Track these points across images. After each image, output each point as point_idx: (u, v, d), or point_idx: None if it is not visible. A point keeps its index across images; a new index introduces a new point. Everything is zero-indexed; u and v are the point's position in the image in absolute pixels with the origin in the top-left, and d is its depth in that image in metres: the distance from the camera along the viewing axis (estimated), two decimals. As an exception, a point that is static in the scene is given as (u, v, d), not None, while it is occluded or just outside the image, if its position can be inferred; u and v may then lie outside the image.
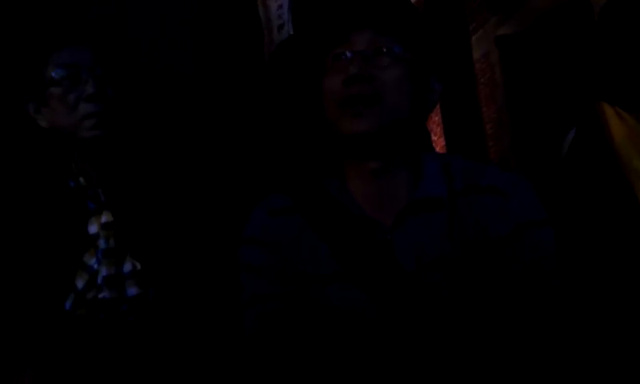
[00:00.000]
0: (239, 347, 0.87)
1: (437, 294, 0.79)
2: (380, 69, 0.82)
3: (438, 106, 6.04)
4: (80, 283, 1.11)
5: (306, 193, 0.89)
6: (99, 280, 1.11)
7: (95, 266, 1.12)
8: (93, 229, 1.13)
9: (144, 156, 1.19)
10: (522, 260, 0.80)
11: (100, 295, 1.10)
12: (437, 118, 5.81)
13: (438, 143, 5.77)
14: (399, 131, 0.83)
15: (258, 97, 1.38)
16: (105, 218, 1.13)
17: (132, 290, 1.10)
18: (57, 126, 1.11)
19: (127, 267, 1.11)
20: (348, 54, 0.83)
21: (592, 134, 1.27)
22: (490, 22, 5.18)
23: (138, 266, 1.10)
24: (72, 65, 1.09)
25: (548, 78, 4.75)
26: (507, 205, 0.83)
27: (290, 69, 1.21)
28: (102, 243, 1.12)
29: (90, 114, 1.08)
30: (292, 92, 1.17)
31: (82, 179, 1.14)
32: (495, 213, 0.82)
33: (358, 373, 0.79)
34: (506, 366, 0.77)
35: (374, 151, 0.84)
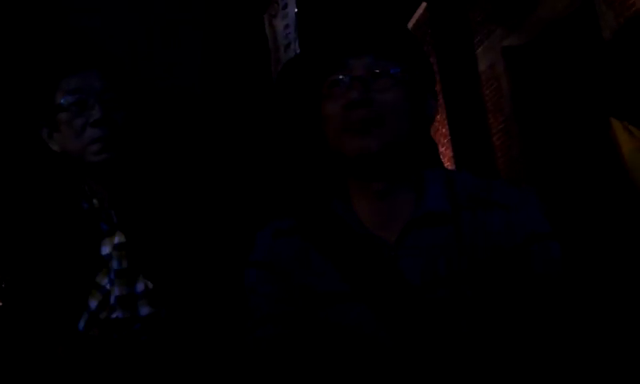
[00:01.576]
0: (247, 368, 0.87)
1: (444, 309, 0.79)
2: (379, 92, 0.83)
3: (444, 118, 6.04)
4: (93, 304, 1.13)
5: (311, 213, 0.90)
6: (112, 300, 1.12)
7: (108, 287, 1.13)
8: (105, 250, 1.15)
9: (154, 177, 1.21)
10: (529, 273, 0.80)
11: (113, 315, 1.11)
12: (444, 130, 5.81)
13: (446, 154, 5.77)
14: (401, 150, 0.85)
15: (265, 116, 1.40)
16: (117, 238, 1.15)
17: (144, 310, 1.11)
18: (67, 151, 1.13)
19: (140, 287, 1.12)
20: (346, 79, 0.84)
21: (601, 147, 1.28)
22: (495, 33, 5.20)
23: (150, 286, 1.12)
24: (79, 90, 1.11)
25: (555, 88, 4.74)
26: (513, 218, 0.83)
27: (293, 93, 1.22)
28: (114, 264, 1.14)
29: (97, 139, 1.09)
30: (296, 116, 1.19)
31: (95, 201, 1.16)
32: (501, 227, 0.82)
33: None
34: (517, 381, 0.77)
35: (378, 171, 0.85)
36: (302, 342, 0.84)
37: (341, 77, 0.84)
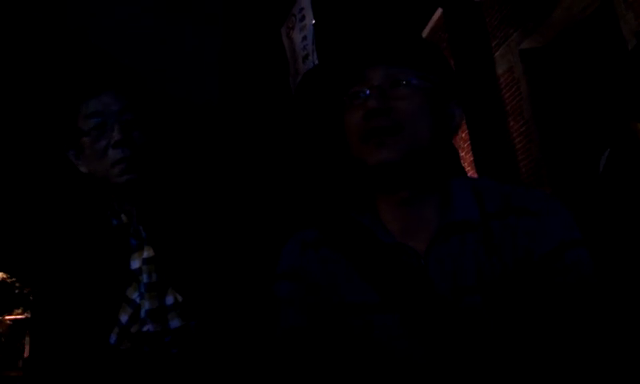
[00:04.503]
0: (275, 380, 0.87)
1: (475, 318, 0.78)
2: (397, 100, 0.83)
3: (464, 122, 6.00)
4: (124, 317, 1.15)
5: (337, 224, 0.90)
6: (142, 314, 1.14)
7: (138, 300, 1.15)
8: (135, 264, 1.17)
9: (180, 191, 1.23)
10: (562, 280, 0.79)
11: (144, 328, 1.13)
12: (464, 135, 5.78)
13: (466, 159, 5.73)
14: (423, 159, 0.85)
15: (286, 128, 1.42)
16: (146, 253, 1.17)
17: (175, 323, 1.13)
18: (92, 172, 1.16)
19: (169, 300, 1.14)
20: (366, 90, 0.85)
21: (626, 152, 1.26)
22: (513, 36, 5.17)
23: (180, 299, 1.13)
24: (98, 113, 1.12)
25: (574, 90, 4.69)
26: (543, 225, 0.82)
27: (314, 105, 1.24)
28: (144, 278, 1.16)
29: (119, 160, 1.11)
30: (318, 127, 1.20)
31: (123, 217, 1.19)
32: (531, 234, 0.82)
33: None
34: None
35: (402, 180, 0.85)
36: (332, 353, 0.84)
37: (360, 88, 0.86)
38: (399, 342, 0.80)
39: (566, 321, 0.78)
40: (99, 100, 1.13)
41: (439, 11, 6.11)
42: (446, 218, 0.85)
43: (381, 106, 0.83)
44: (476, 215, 0.84)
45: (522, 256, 0.81)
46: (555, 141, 4.86)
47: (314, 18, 2.90)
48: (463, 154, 5.79)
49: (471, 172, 5.63)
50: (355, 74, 0.87)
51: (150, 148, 1.16)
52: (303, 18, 2.94)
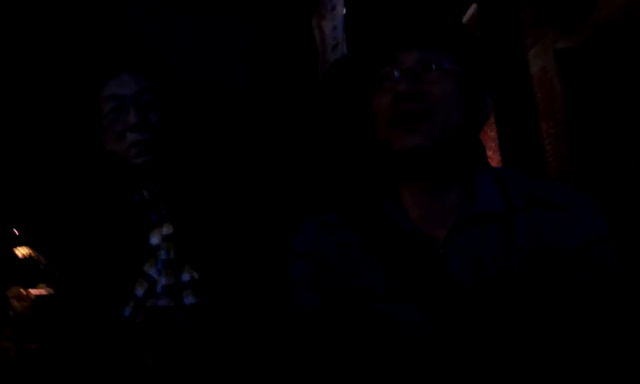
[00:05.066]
0: (285, 358, 0.87)
1: (495, 309, 0.77)
2: (429, 84, 0.81)
3: (493, 121, 5.94)
4: (140, 291, 1.16)
5: (359, 208, 0.89)
6: (158, 289, 1.15)
7: (155, 276, 1.17)
8: (154, 240, 1.18)
9: (201, 171, 1.24)
10: (587, 276, 0.78)
11: (159, 303, 1.14)
12: (492, 133, 5.70)
13: (494, 159, 5.65)
14: (452, 146, 0.83)
15: (312, 115, 1.41)
16: (166, 230, 1.18)
17: (189, 299, 1.14)
18: (115, 151, 1.17)
19: (185, 277, 1.15)
20: (396, 72, 0.83)
21: None
22: (548, 35, 5.06)
23: (196, 276, 1.14)
24: (115, 96, 1.13)
25: (608, 92, 4.58)
26: (570, 220, 0.80)
27: (342, 90, 1.23)
28: (162, 254, 1.17)
29: (135, 143, 1.12)
30: (345, 111, 1.19)
31: (145, 193, 1.20)
32: (558, 228, 0.80)
33: None
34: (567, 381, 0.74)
35: (428, 167, 0.83)
36: (344, 335, 0.83)
37: (390, 69, 0.83)
38: (414, 331, 0.79)
39: (588, 316, 0.76)
40: (117, 80, 1.14)
41: (474, 7, 6.02)
42: (469, 208, 0.83)
43: (412, 89, 0.81)
44: (500, 206, 0.82)
45: (547, 250, 0.79)
46: (586, 144, 4.76)
47: (345, 8, 2.89)
48: (491, 153, 5.71)
49: (498, 172, 5.56)
50: (387, 55, 0.85)
51: (170, 130, 1.16)
52: (334, 6, 2.92)
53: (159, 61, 1.21)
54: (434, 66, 0.82)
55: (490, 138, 5.77)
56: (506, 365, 0.75)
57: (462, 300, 0.78)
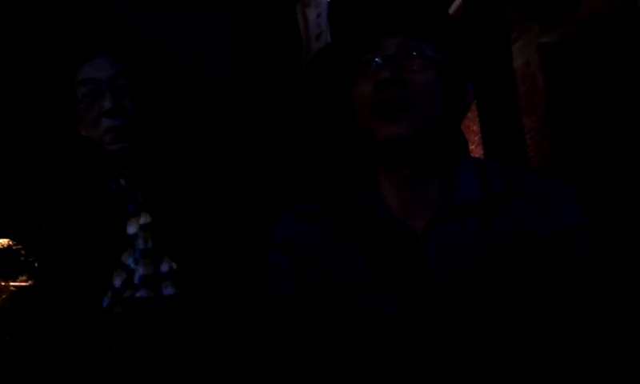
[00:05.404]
0: (262, 349, 0.86)
1: (472, 301, 0.77)
2: (412, 72, 0.80)
3: (476, 115, 5.96)
4: (117, 282, 1.14)
5: (338, 198, 0.88)
6: (136, 279, 1.13)
7: (132, 266, 1.14)
8: (131, 229, 1.16)
9: (180, 160, 1.21)
10: (564, 266, 0.78)
11: (137, 294, 1.12)
12: (475, 127, 5.72)
13: (476, 152, 5.68)
14: (433, 135, 0.82)
15: (294, 104, 1.39)
16: (143, 219, 1.15)
17: (168, 290, 1.12)
18: (90, 137, 1.13)
19: (164, 267, 1.13)
20: (378, 59, 0.81)
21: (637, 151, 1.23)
22: (533, 30, 5.09)
23: (175, 267, 1.12)
24: (90, 80, 1.09)
25: (591, 88, 4.62)
26: (549, 210, 0.80)
27: (324, 78, 1.21)
28: (140, 244, 1.15)
29: (110, 129, 1.08)
30: (327, 100, 1.17)
31: (122, 181, 1.17)
32: (537, 218, 0.80)
33: (388, 382, 0.77)
34: (544, 373, 0.74)
35: (408, 157, 0.82)
36: (323, 326, 0.82)
37: (372, 56, 0.82)
38: (393, 322, 0.78)
39: (565, 306, 0.77)
40: (92, 64, 1.10)
41: None
42: (448, 198, 0.82)
43: (394, 76, 0.79)
44: (479, 197, 0.82)
45: (526, 240, 0.79)
46: (568, 139, 4.80)
47: (330, -3, 2.86)
48: (473, 147, 5.74)
49: (481, 165, 5.59)
50: (370, 41, 0.83)
51: (147, 116, 1.13)
52: (319, -5, 2.90)
53: (137, 44, 1.17)
54: (416, 54, 0.81)
55: (473, 132, 5.80)
56: (486, 355, 0.75)
57: (440, 291, 0.77)
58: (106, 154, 1.13)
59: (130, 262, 1.15)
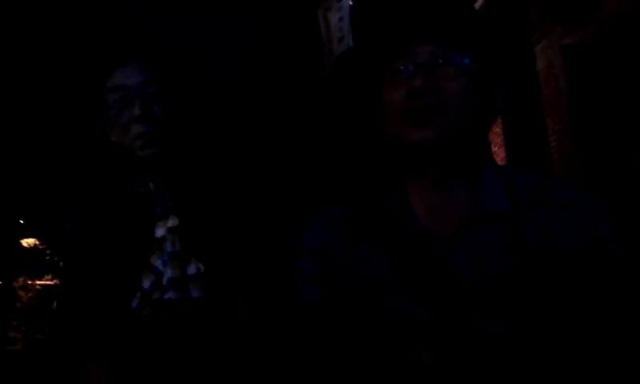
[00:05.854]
0: (292, 353, 0.87)
1: (500, 308, 0.77)
2: (444, 81, 0.80)
3: (499, 117, 5.89)
4: (146, 284, 1.16)
5: (365, 205, 0.89)
6: (164, 281, 1.15)
7: (161, 268, 1.17)
8: (160, 232, 1.18)
9: (207, 164, 1.23)
10: (594, 276, 0.77)
11: (165, 296, 1.14)
12: (497, 129, 5.67)
13: (499, 154, 5.63)
14: (462, 142, 0.82)
15: (317, 108, 1.40)
16: (171, 222, 1.18)
17: (196, 292, 1.14)
18: (120, 143, 1.17)
19: (192, 269, 1.15)
20: (411, 67, 0.81)
21: None
22: (555, 31, 5.03)
23: (202, 269, 1.14)
24: (120, 87, 1.13)
25: (615, 89, 4.55)
26: (576, 220, 0.80)
27: (348, 82, 1.22)
28: (168, 246, 1.17)
29: (140, 135, 1.12)
30: (351, 106, 1.18)
31: (151, 185, 1.20)
32: (563, 228, 0.79)
33: None
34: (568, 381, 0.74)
35: (436, 161, 0.82)
36: (350, 331, 0.83)
37: (405, 64, 0.82)
38: (419, 327, 0.79)
39: (592, 317, 0.76)
40: (122, 71, 1.13)
41: (480, 0, 5.99)
42: (475, 206, 0.82)
43: (428, 84, 0.79)
44: (507, 206, 0.82)
45: (552, 250, 0.79)
46: (591, 140, 4.73)
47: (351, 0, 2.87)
48: (496, 148, 5.69)
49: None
50: (400, 49, 0.83)
51: (175, 122, 1.16)
52: (341, -2, 2.91)
53: (164, 51, 1.20)
54: (449, 62, 0.81)
55: (496, 134, 5.75)
56: (510, 363, 0.75)
57: (466, 298, 0.77)
58: (135, 159, 1.16)
59: (158, 264, 1.17)
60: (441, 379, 0.75)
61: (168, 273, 1.16)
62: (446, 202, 0.84)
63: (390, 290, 0.81)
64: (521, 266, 0.78)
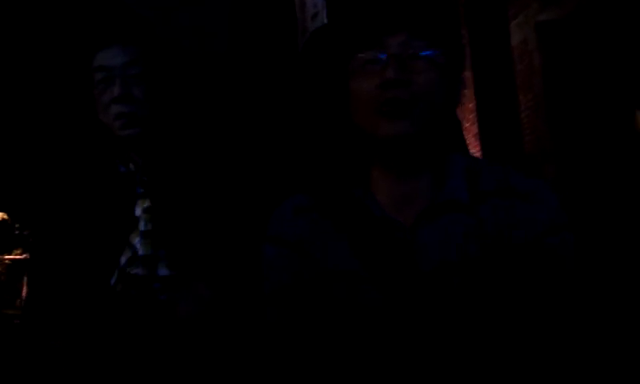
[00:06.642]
0: (261, 340, 0.88)
1: (455, 296, 0.79)
2: (416, 73, 0.81)
3: (472, 93, 5.93)
4: (123, 260, 1.18)
5: (330, 193, 0.90)
6: (138, 258, 1.17)
7: (138, 246, 1.18)
8: (138, 211, 1.20)
9: (184, 149, 1.24)
10: (544, 264, 0.81)
11: (133, 271, 1.16)
12: (471, 105, 5.72)
13: (470, 130, 5.69)
14: (430, 133, 0.84)
15: (289, 89, 1.40)
16: (147, 202, 1.20)
17: (163, 271, 1.15)
18: (103, 122, 1.19)
19: (162, 251, 1.16)
20: (382, 56, 0.81)
21: (627, 135, 1.26)
22: (531, 7, 5.05)
23: (171, 250, 1.15)
24: (103, 67, 1.15)
25: (588, 67, 4.61)
26: (530, 209, 0.83)
27: (319, 66, 1.21)
28: (142, 225, 1.19)
29: (119, 115, 1.14)
30: (321, 94, 1.18)
31: (131, 165, 1.21)
32: (519, 217, 0.82)
33: (369, 372, 0.80)
34: (518, 368, 0.77)
35: (405, 154, 0.84)
36: (316, 316, 0.85)
37: (377, 54, 0.82)
38: (377, 313, 0.81)
39: (544, 303, 0.79)
40: (108, 53, 1.15)
41: (456, -24, 5.97)
42: (437, 195, 0.84)
43: (400, 76, 0.80)
44: (465, 196, 0.84)
45: (509, 238, 0.81)
46: (563, 118, 4.81)
47: (327, -25, 2.83)
48: (468, 125, 5.75)
49: (475, 144, 5.59)
50: (371, 38, 0.83)
51: (156, 104, 1.18)
52: (316, -27, 2.87)
53: (147, 31, 1.21)
54: (420, 54, 0.81)
55: (468, 110, 5.80)
56: (463, 347, 0.78)
57: (423, 285, 0.80)
58: (116, 139, 1.18)
59: (136, 242, 1.19)
60: (393, 361, 0.77)
61: (140, 251, 1.17)
62: (410, 192, 0.85)
63: (351, 274, 0.83)
64: (479, 253, 0.81)
